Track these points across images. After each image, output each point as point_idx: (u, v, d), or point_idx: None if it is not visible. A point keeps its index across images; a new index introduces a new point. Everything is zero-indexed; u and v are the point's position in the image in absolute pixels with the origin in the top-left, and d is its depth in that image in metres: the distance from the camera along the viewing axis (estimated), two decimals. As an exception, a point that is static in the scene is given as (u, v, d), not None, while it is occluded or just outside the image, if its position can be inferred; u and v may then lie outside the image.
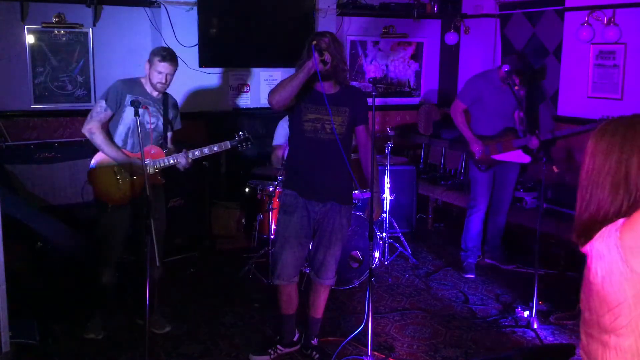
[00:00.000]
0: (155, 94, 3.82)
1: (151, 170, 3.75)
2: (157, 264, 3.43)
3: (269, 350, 3.68)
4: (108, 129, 3.79)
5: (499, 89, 4.87)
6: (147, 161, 3.75)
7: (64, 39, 5.50)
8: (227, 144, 3.88)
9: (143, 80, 3.82)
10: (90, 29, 5.56)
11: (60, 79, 5.52)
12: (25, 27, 5.32)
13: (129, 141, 3.77)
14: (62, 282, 4.56)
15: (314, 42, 3.22)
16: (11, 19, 5.26)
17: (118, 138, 3.76)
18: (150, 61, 3.76)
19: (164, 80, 3.78)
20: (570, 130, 4.97)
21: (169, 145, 3.97)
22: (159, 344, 3.79)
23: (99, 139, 3.70)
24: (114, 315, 4.04)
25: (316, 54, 3.17)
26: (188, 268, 5.09)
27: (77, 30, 5.50)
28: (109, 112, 3.72)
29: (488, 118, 4.94)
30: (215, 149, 3.86)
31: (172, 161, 3.82)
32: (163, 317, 4.06)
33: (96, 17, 5.54)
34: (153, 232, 3.27)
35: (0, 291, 3.31)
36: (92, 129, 3.69)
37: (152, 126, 3.79)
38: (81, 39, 5.55)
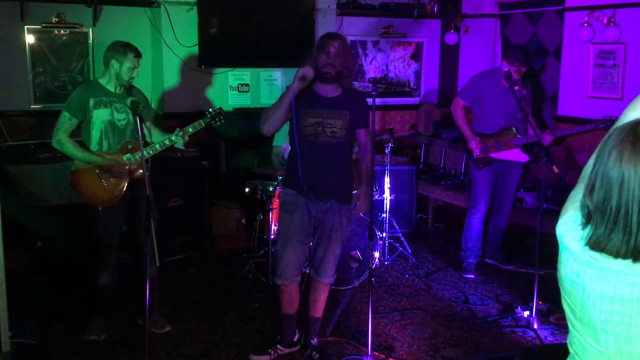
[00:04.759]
0: (118, 89, 3.78)
1: (134, 165, 3.76)
2: (157, 263, 3.43)
3: (269, 350, 3.68)
4: (80, 137, 3.77)
5: (501, 88, 4.85)
6: (128, 155, 3.76)
7: (64, 39, 5.50)
8: (200, 123, 3.88)
9: (103, 81, 3.77)
10: (90, 29, 5.56)
11: (60, 79, 5.53)
12: (25, 27, 5.32)
13: (104, 143, 3.75)
14: (62, 282, 4.57)
15: (299, 77, 3.22)
16: (11, 19, 5.26)
17: (93, 142, 3.74)
18: (119, 59, 3.69)
19: (135, 74, 3.78)
20: (570, 131, 4.97)
21: (151, 136, 3.94)
22: (159, 344, 3.79)
23: (69, 148, 3.69)
24: (113, 315, 4.04)
25: (297, 84, 3.21)
26: (188, 268, 5.10)
27: (77, 30, 5.50)
28: (75, 121, 3.70)
29: (489, 116, 4.93)
30: (190, 130, 3.85)
31: (167, 142, 3.81)
32: (163, 317, 4.06)
33: (96, 17, 5.55)
34: (153, 232, 3.27)
35: (1, 291, 3.31)
36: (60, 140, 3.68)
37: (124, 122, 3.78)
38: (81, 39, 5.56)
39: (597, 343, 1.60)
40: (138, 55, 3.76)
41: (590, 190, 1.54)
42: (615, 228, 1.48)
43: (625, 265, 1.49)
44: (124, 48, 3.73)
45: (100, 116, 3.71)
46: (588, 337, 1.62)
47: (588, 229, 1.55)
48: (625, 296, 1.50)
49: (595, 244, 1.52)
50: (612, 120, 4.76)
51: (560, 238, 1.63)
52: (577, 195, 1.63)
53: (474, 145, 4.91)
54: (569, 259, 1.61)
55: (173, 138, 3.82)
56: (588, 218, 1.55)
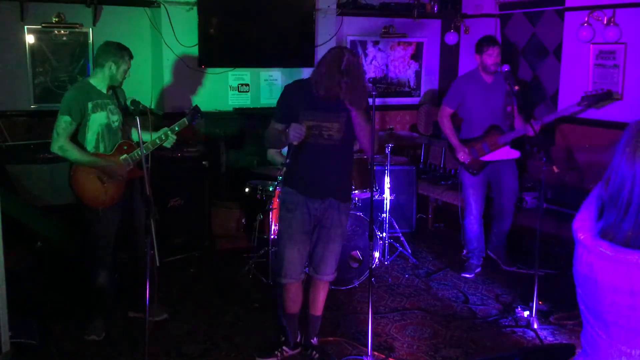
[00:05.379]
0: (109, 91, 3.80)
1: (131, 165, 3.78)
2: (157, 263, 3.44)
3: (276, 352, 3.68)
4: (76, 140, 3.78)
5: (483, 87, 4.80)
6: (125, 156, 3.79)
7: (64, 39, 5.50)
8: (184, 122, 3.96)
9: (94, 81, 3.77)
10: (90, 29, 5.56)
11: (60, 79, 5.52)
12: (25, 27, 5.32)
13: (100, 146, 3.75)
14: (62, 282, 4.57)
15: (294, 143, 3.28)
16: (11, 19, 5.26)
17: (89, 145, 3.74)
18: (117, 61, 3.72)
19: (128, 75, 3.83)
20: (556, 115, 4.86)
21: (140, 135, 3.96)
22: (159, 344, 3.79)
23: (73, 153, 3.67)
24: (113, 315, 4.05)
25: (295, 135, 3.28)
26: (188, 268, 5.10)
27: (77, 30, 5.50)
28: (74, 125, 3.69)
29: (476, 118, 4.86)
30: (176, 128, 3.93)
31: (157, 142, 3.86)
32: (160, 304, 4.05)
33: (96, 17, 5.55)
34: (153, 232, 3.27)
35: (0, 291, 3.32)
36: (63, 147, 3.66)
37: (117, 124, 3.79)
38: (81, 39, 5.55)
39: (608, 336, 1.62)
40: (132, 56, 3.81)
41: (606, 182, 1.58)
42: (625, 217, 1.52)
43: (637, 257, 1.51)
44: (120, 50, 3.74)
45: (97, 120, 3.71)
46: (600, 330, 1.64)
47: (602, 222, 1.58)
48: (636, 289, 1.52)
49: (606, 232, 1.56)
50: (592, 96, 4.78)
51: (575, 233, 1.67)
52: (597, 193, 1.67)
53: (462, 156, 4.85)
54: (583, 253, 1.64)
55: (162, 137, 3.88)
56: (602, 209, 1.59)
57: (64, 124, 3.66)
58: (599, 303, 1.61)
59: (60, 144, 3.66)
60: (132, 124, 3.84)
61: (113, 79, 3.75)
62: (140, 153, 3.78)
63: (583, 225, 1.65)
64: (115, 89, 3.84)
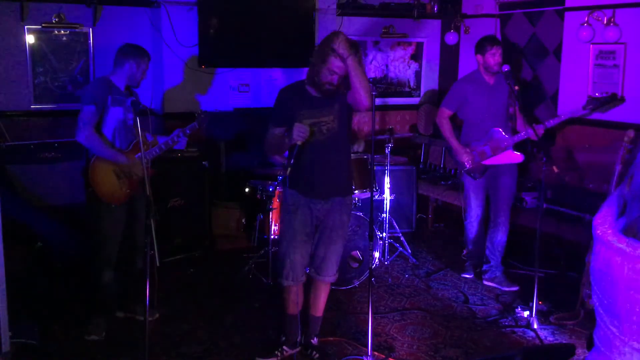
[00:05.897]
0: (126, 90, 3.89)
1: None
2: (157, 263, 3.44)
3: (276, 352, 3.67)
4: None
5: (485, 88, 4.72)
6: (140, 155, 3.81)
7: (64, 39, 5.50)
8: (195, 125, 4.07)
9: (113, 79, 3.85)
10: (90, 29, 5.56)
11: (60, 79, 5.52)
12: (25, 27, 5.32)
13: (117, 142, 3.81)
14: (62, 282, 4.57)
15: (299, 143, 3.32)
16: (11, 19, 5.26)
17: (105, 140, 3.79)
18: (137, 62, 3.85)
19: (145, 75, 3.95)
20: (560, 119, 4.77)
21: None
22: (159, 344, 3.79)
23: (98, 143, 3.72)
24: (114, 315, 4.05)
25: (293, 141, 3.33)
26: (188, 268, 5.10)
27: (77, 30, 5.50)
28: (97, 115, 3.74)
29: (479, 120, 4.73)
30: (187, 131, 4.04)
31: (170, 143, 3.98)
32: (153, 306, 4.06)
33: (96, 17, 5.54)
34: (153, 232, 3.27)
35: (0, 291, 3.32)
36: (89, 136, 3.70)
37: (132, 122, 3.85)
38: (81, 39, 5.55)
39: (621, 333, 1.63)
40: (150, 58, 3.97)
41: (629, 180, 1.60)
42: None
43: None
44: (141, 51, 3.89)
45: (115, 114, 3.78)
46: (613, 327, 1.65)
47: (623, 219, 1.60)
48: None
49: (629, 229, 1.57)
50: (597, 99, 4.76)
51: (594, 230, 1.68)
52: (619, 192, 1.68)
53: (465, 158, 4.70)
54: (601, 249, 1.65)
55: (175, 138, 3.97)
56: (624, 207, 1.61)
57: (89, 113, 3.71)
58: (613, 300, 1.63)
59: (87, 134, 3.70)
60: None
61: (132, 78, 3.86)
62: (156, 152, 3.93)
63: (603, 222, 1.67)
64: (131, 90, 3.93)
